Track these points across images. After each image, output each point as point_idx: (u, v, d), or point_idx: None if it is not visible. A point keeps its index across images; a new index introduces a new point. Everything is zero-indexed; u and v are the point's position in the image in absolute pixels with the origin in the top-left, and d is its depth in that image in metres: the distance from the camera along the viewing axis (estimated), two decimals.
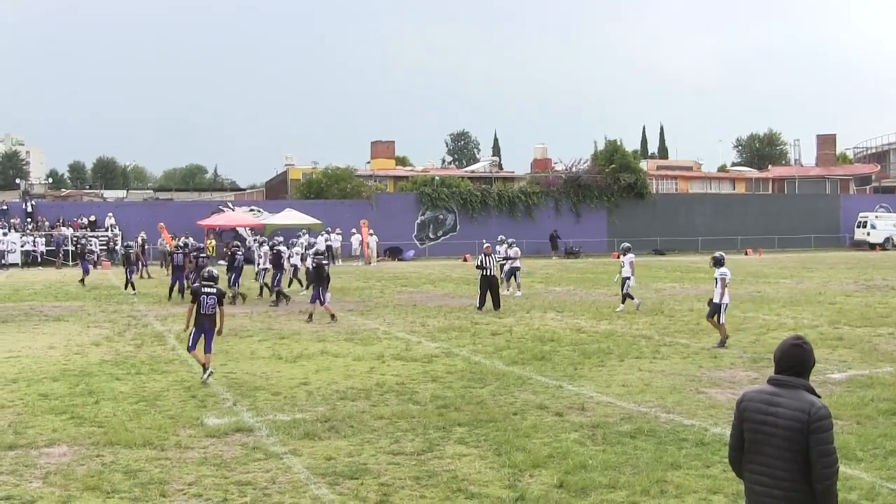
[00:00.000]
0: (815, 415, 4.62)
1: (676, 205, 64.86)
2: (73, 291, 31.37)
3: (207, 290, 13.90)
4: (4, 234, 47.92)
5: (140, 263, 38.28)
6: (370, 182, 60.81)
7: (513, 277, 28.98)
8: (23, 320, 22.60)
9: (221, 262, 34.86)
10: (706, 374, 14.11)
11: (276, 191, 67.77)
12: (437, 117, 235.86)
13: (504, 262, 29.15)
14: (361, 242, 50.71)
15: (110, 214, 52.33)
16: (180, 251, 29.46)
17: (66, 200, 65.35)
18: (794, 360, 4.84)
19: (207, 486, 8.44)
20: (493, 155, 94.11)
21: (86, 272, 34.76)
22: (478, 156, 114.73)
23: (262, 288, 28.37)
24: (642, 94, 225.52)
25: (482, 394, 12.63)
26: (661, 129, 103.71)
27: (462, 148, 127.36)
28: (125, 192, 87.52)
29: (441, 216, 58.01)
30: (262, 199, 66.38)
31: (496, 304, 23.93)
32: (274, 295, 26.57)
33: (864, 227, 63.55)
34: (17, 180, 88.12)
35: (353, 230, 51.28)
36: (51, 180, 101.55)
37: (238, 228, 50.02)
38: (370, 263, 48.45)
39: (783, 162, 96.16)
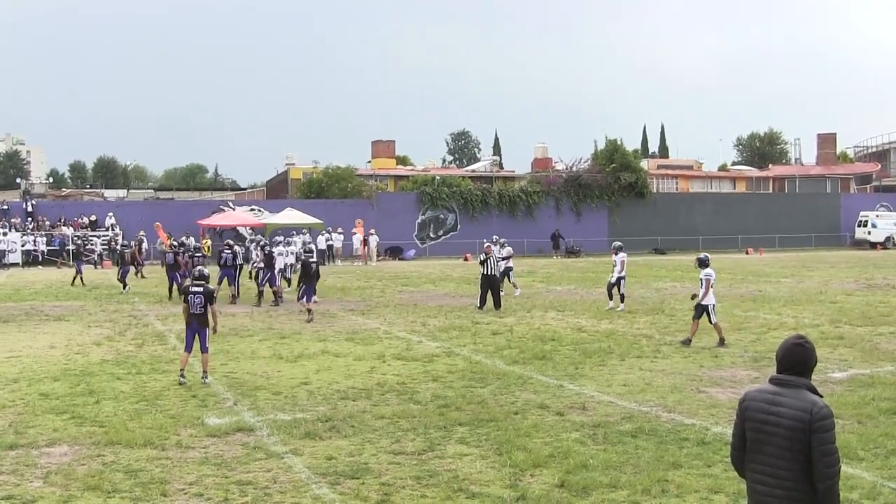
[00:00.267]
0: (816, 414, 4.62)
1: (677, 204, 64.81)
2: (74, 291, 31.38)
3: (194, 289, 13.93)
4: (4, 234, 47.91)
5: (136, 263, 38.33)
6: (371, 181, 60.78)
7: (506, 278, 28.99)
8: (24, 320, 22.60)
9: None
10: (707, 374, 14.11)
11: (277, 190, 67.75)
12: (438, 117, 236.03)
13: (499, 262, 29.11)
14: (362, 242, 50.68)
15: (111, 214, 52.30)
16: (173, 251, 29.50)
17: (66, 200, 65.34)
18: (796, 360, 4.84)
19: (208, 486, 8.44)
20: (494, 154, 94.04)
21: (79, 272, 34.75)
22: (478, 155, 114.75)
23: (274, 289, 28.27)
24: (643, 93, 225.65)
25: (483, 393, 12.63)
26: (662, 128, 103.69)
27: (462, 147, 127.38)
28: (126, 191, 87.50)
29: (442, 216, 57.97)
30: (263, 199, 66.33)
31: (497, 304, 23.93)
32: (272, 294, 26.57)
33: (865, 226, 63.51)
34: (18, 180, 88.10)
35: (354, 230, 51.25)
36: (51, 180, 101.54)
37: (239, 228, 49.99)
38: (365, 263, 48.43)
39: (784, 161, 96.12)
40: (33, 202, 54.45)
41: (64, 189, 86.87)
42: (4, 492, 8.32)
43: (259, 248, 28.53)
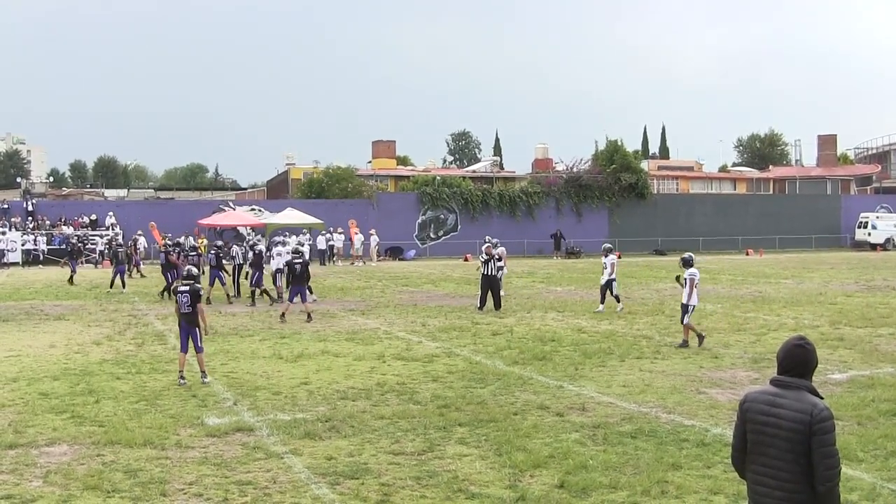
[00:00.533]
0: (817, 416, 4.61)
1: (677, 205, 64.81)
2: (74, 290, 31.38)
3: (182, 288, 13.96)
4: (3, 233, 47.90)
5: (132, 262, 38.37)
6: (371, 182, 60.78)
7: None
8: (23, 319, 22.60)
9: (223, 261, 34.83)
10: (707, 375, 14.11)
11: (278, 190, 67.76)
12: (439, 117, 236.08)
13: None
14: (363, 243, 50.67)
15: (111, 213, 52.33)
16: (165, 250, 29.59)
17: (66, 199, 65.36)
18: (797, 361, 4.83)
19: (208, 486, 8.44)
20: (494, 155, 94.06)
21: (74, 271, 34.75)
22: (479, 155, 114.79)
23: (262, 289, 28.28)
24: (643, 94, 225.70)
25: (483, 394, 12.63)
26: (663, 129, 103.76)
27: (463, 148, 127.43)
28: (126, 191, 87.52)
29: (442, 216, 57.97)
30: (264, 199, 66.36)
31: (497, 304, 23.92)
32: (261, 293, 26.60)
33: (865, 227, 63.48)
34: (18, 179, 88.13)
35: (356, 230, 51.23)
36: (52, 179, 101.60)
37: (239, 228, 50.02)
38: (353, 263, 48.38)
39: (784, 162, 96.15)
40: (33, 201, 54.46)
41: (64, 188, 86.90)
42: (4, 491, 8.31)
43: (248, 248, 28.54)
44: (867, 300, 25.66)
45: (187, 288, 13.86)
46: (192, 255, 27.85)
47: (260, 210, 53.56)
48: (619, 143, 63.60)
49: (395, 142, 73.17)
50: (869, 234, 62.95)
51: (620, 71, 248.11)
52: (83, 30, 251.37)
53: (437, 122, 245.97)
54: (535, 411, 11.48)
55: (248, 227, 49.40)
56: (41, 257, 47.78)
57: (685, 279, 17.28)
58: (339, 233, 50.06)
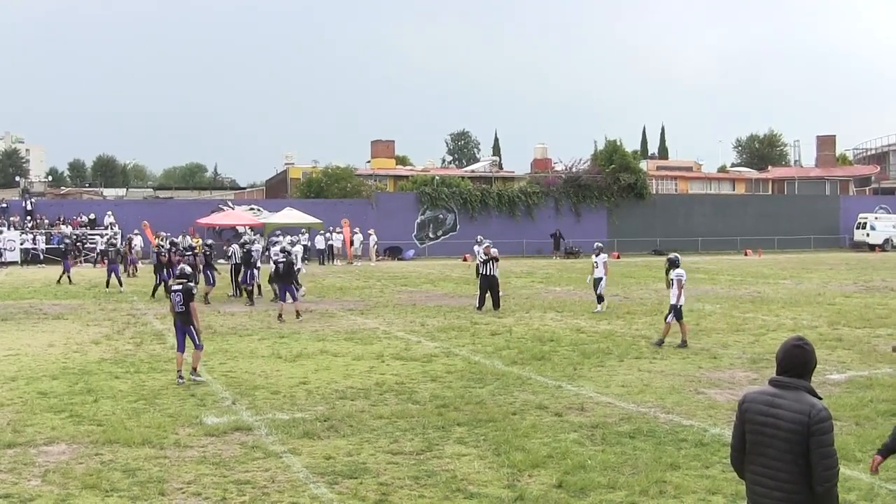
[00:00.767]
0: (815, 417, 4.62)
1: (676, 205, 64.80)
2: (73, 290, 31.36)
3: (175, 287, 13.96)
4: (1, 233, 47.89)
5: (127, 261, 38.37)
6: (370, 181, 60.75)
7: None
8: (22, 318, 22.59)
9: (222, 260, 34.86)
10: (705, 375, 14.12)
11: (276, 190, 67.74)
12: (438, 117, 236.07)
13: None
14: (362, 242, 50.66)
15: (110, 213, 52.30)
16: (157, 249, 29.70)
17: (65, 199, 65.31)
18: (796, 362, 4.84)
19: (206, 485, 8.44)
20: (493, 154, 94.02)
21: (66, 270, 34.76)
22: (478, 155, 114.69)
23: (257, 287, 28.26)
24: (643, 94, 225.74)
25: (481, 394, 12.63)
26: (662, 129, 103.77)
27: (462, 147, 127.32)
28: (125, 190, 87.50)
29: (441, 216, 57.96)
30: (262, 198, 66.34)
31: (496, 304, 23.92)
32: (245, 293, 26.62)
33: (864, 228, 63.49)
34: (17, 178, 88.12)
35: (356, 229, 51.23)
36: (51, 178, 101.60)
37: (238, 227, 50.00)
38: (351, 263, 48.33)
39: (783, 163, 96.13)
40: (32, 200, 54.43)
41: (63, 187, 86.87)
42: (2, 490, 8.31)
43: (239, 246, 28.56)
44: (865, 301, 25.68)
45: (180, 287, 13.85)
46: (189, 255, 27.87)
47: (259, 210, 53.55)
48: (618, 144, 63.61)
49: (393, 141, 73.14)
50: (867, 235, 62.95)
51: (620, 71, 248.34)
52: (83, 30, 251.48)
53: (436, 121, 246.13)
54: (533, 411, 11.49)
55: (247, 227, 49.38)
56: (41, 257, 47.75)
57: (672, 280, 17.26)
58: (338, 232, 50.06)
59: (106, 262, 33.81)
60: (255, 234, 41.96)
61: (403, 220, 56.44)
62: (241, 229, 49.17)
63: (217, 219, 50.72)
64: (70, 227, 50.23)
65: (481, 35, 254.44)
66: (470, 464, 9.09)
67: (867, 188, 78.78)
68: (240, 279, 27.32)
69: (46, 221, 50.76)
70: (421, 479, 8.58)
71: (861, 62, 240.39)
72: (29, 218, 50.95)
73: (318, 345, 17.50)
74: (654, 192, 66.30)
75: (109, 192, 78.47)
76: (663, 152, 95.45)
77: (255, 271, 27.04)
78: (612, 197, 61.06)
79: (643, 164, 69.13)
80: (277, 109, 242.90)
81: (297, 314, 21.83)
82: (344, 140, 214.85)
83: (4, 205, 51.97)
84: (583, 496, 8.04)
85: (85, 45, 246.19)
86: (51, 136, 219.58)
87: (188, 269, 14.75)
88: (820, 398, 4.77)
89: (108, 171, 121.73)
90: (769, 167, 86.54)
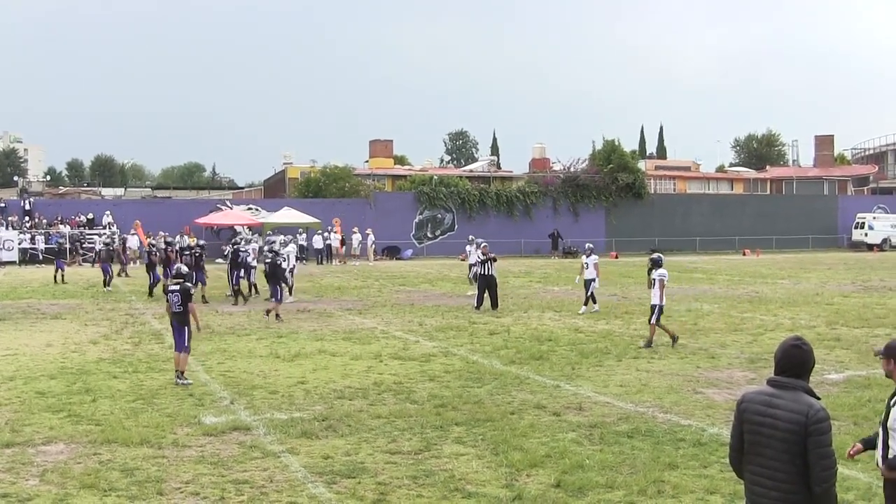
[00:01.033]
0: (813, 417, 4.62)
1: (674, 205, 64.83)
2: (71, 289, 31.35)
3: (172, 287, 13.94)
4: None
5: (121, 261, 38.36)
6: (368, 181, 60.73)
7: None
8: (20, 318, 22.58)
9: (220, 260, 34.88)
10: (703, 375, 14.13)
11: (275, 189, 67.68)
12: (437, 117, 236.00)
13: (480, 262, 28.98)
14: (360, 242, 50.64)
15: (108, 212, 52.27)
16: (149, 250, 29.82)
17: (64, 198, 65.24)
18: (794, 362, 4.84)
19: (204, 485, 8.44)
20: (492, 154, 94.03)
21: (59, 269, 34.76)
22: (476, 155, 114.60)
23: (252, 286, 28.25)
24: (641, 94, 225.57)
25: (480, 393, 12.64)
26: (661, 129, 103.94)
27: (460, 147, 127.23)
28: (123, 190, 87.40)
29: (439, 215, 57.96)
30: (261, 198, 66.30)
31: (494, 304, 23.92)
32: (233, 292, 26.63)
33: (862, 227, 63.54)
34: (15, 178, 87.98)
35: (355, 229, 51.19)
36: (49, 178, 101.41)
37: (236, 227, 49.99)
38: (343, 262, 48.28)
39: (781, 163, 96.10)
40: (31, 200, 54.39)
41: (61, 187, 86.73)
42: (1, 490, 8.31)
43: (229, 245, 28.61)
44: (864, 300, 25.70)
45: (178, 287, 13.84)
46: (186, 255, 27.91)
47: (257, 209, 53.54)
48: (617, 143, 63.63)
49: (392, 141, 73.06)
50: (866, 235, 62.99)
51: (620, 71, 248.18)
52: (81, 29, 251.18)
53: (435, 121, 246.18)
54: (531, 411, 11.49)
55: (245, 227, 49.38)
56: (40, 256, 47.73)
57: (654, 280, 17.21)
58: (336, 232, 50.05)
59: (101, 261, 33.89)
60: (252, 234, 41.99)
61: (402, 220, 56.45)
62: (239, 229, 49.23)
63: (215, 218, 50.72)
64: (68, 226, 50.21)
65: (481, 35, 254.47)
66: (468, 463, 9.10)
67: (865, 188, 78.84)
68: (228, 278, 27.30)
69: (45, 221, 50.73)
70: (419, 479, 8.58)
71: (861, 62, 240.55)
72: (27, 217, 50.93)
73: (317, 344, 17.49)
74: (653, 191, 66.31)
75: (108, 192, 78.35)
76: (661, 152, 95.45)
77: (243, 271, 26.96)
78: (611, 197, 61.08)
79: (641, 164, 69.13)
80: (277, 109, 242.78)
81: (268, 312, 21.65)
82: (343, 140, 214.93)
83: (3, 204, 51.95)
84: (581, 496, 8.04)
85: (84, 45, 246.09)
86: (49, 136, 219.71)
87: (185, 270, 14.73)
88: (818, 398, 4.77)
89: (106, 171, 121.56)
90: (767, 167, 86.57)
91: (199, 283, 27.03)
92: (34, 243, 48.29)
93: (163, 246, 31.93)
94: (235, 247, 27.73)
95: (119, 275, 37.69)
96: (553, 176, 63.35)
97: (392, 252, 54.35)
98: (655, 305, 17.01)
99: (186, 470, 8.94)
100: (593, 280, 23.33)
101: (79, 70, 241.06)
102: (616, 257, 52.40)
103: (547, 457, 9.23)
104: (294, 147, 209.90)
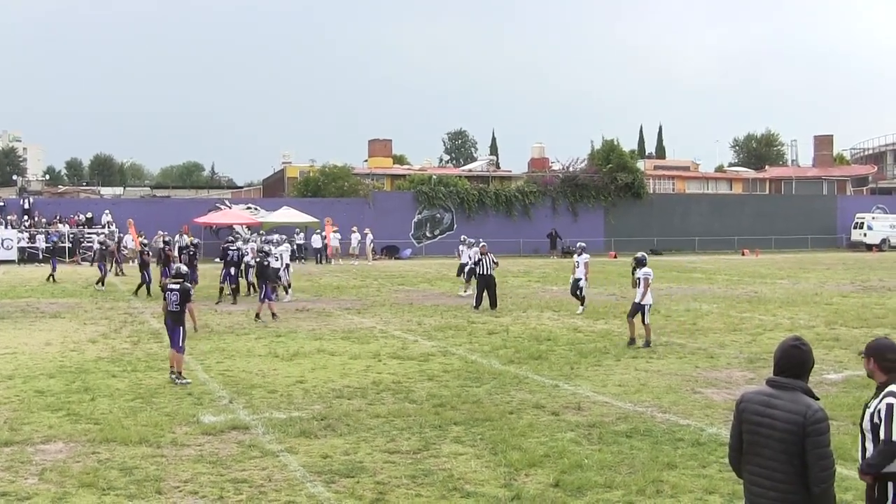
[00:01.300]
0: (810, 418, 4.62)
1: (673, 205, 64.84)
2: (70, 288, 31.33)
3: (171, 286, 13.93)
4: None
5: (116, 260, 38.38)
6: (367, 180, 60.72)
7: (472, 278, 29.09)
8: (19, 317, 22.57)
9: (218, 259, 34.86)
10: (702, 375, 14.13)
11: (274, 189, 67.66)
12: (437, 117, 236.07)
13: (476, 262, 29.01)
14: (359, 242, 50.62)
15: (107, 211, 52.25)
16: (141, 249, 29.91)
17: (63, 197, 65.22)
18: (793, 362, 4.84)
19: (203, 484, 8.44)
20: (491, 154, 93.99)
21: (53, 268, 34.75)
22: (475, 155, 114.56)
23: (251, 286, 28.20)
24: (640, 93, 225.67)
25: (478, 393, 12.64)
26: (660, 128, 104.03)
27: (460, 147, 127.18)
28: (122, 189, 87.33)
29: (438, 215, 57.97)
30: (260, 197, 66.29)
31: (493, 304, 23.92)
32: (220, 291, 26.64)
33: (861, 227, 63.57)
34: (14, 177, 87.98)
35: (354, 228, 51.17)
36: (48, 177, 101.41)
37: (235, 226, 49.98)
38: (330, 262, 48.24)
39: (780, 162, 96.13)
40: (30, 199, 54.37)
41: (60, 186, 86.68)
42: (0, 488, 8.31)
43: (223, 248, 28.64)
44: (863, 301, 25.71)
45: (177, 286, 13.83)
46: (183, 254, 27.98)
47: (256, 208, 53.53)
48: (616, 143, 63.63)
49: (391, 140, 73.02)
50: (865, 235, 63.01)
51: (620, 71, 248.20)
52: (81, 28, 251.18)
53: (435, 121, 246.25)
54: (530, 410, 11.49)
55: (244, 226, 49.37)
56: (40, 255, 47.71)
57: (639, 279, 17.16)
58: (336, 231, 50.03)
59: (97, 260, 33.97)
60: (250, 234, 41.95)
61: (401, 220, 56.46)
62: (237, 228, 49.21)
63: (214, 218, 50.71)
64: (68, 225, 50.20)
65: (481, 35, 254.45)
66: (467, 463, 9.10)
67: (864, 188, 78.87)
68: (230, 279, 27.27)
69: (44, 220, 50.71)
70: (418, 478, 8.58)
71: (861, 62, 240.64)
72: (26, 217, 50.92)
73: (315, 344, 17.49)
74: (652, 191, 66.34)
75: (107, 191, 78.27)
76: (661, 152, 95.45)
77: (234, 269, 26.90)
78: (609, 196, 61.09)
79: (640, 164, 69.15)
80: (276, 109, 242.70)
81: (257, 316, 21.53)
82: (343, 140, 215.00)
83: (2, 203, 51.95)
84: (579, 495, 8.04)
85: (84, 45, 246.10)
86: (48, 136, 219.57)
87: (184, 269, 14.73)
88: (817, 398, 4.78)
89: (105, 170, 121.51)
90: (766, 167, 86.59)
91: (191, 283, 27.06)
92: (34, 242, 48.28)
93: (161, 245, 31.98)
94: (224, 246, 27.80)
95: (117, 274, 37.72)
96: (552, 176, 63.36)
97: (391, 251, 54.36)
98: (641, 304, 16.89)
99: (185, 469, 8.94)
100: (580, 280, 23.15)
101: (78, 70, 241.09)
102: (615, 257, 52.39)
103: (545, 456, 9.23)
104: (293, 147, 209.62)
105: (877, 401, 5.24)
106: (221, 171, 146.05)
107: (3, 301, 26.66)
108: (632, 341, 17.00)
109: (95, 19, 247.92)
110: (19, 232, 48.73)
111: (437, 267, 44.59)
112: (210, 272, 30.73)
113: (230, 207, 54.04)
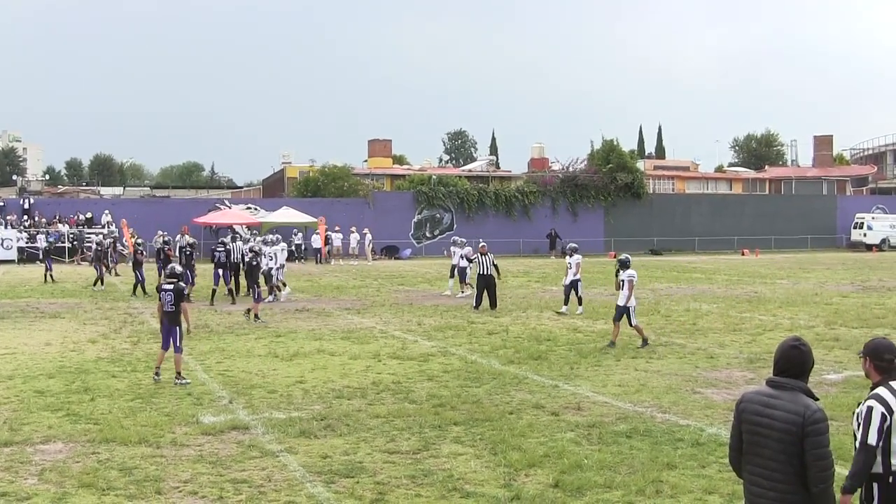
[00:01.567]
0: (809, 418, 4.62)
1: (673, 205, 64.84)
2: (70, 288, 31.33)
3: (166, 286, 13.88)
4: None
5: (110, 260, 38.36)
6: (367, 181, 60.71)
7: (463, 278, 29.10)
8: (19, 317, 22.57)
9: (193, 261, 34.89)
10: (702, 375, 14.13)
11: (273, 189, 67.66)
12: (437, 116, 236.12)
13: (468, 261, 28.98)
14: (358, 241, 50.62)
15: (107, 211, 52.26)
16: (134, 249, 30.02)
17: (62, 197, 65.22)
18: (793, 362, 4.84)
19: (203, 484, 8.44)
20: (491, 154, 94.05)
21: (49, 269, 34.72)
22: (475, 155, 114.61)
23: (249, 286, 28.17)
24: (640, 94, 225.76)
25: (478, 393, 12.64)
26: (660, 128, 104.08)
27: (459, 147, 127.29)
28: (122, 189, 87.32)
29: (438, 215, 57.97)
30: (259, 197, 66.28)
31: (493, 304, 23.92)
32: (225, 291, 26.63)
33: (861, 227, 63.58)
34: (14, 177, 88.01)
35: (353, 228, 51.17)
36: (48, 177, 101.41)
37: (235, 226, 49.96)
38: (329, 262, 48.23)
39: (780, 162, 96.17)
40: (30, 199, 54.37)
41: (60, 186, 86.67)
42: None
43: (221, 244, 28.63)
44: (863, 301, 25.70)
45: (171, 286, 13.79)
46: (182, 254, 28.02)
47: (256, 208, 53.52)
48: (615, 143, 63.61)
49: (391, 140, 73.02)
50: (864, 235, 63.01)
51: (620, 71, 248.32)
52: (81, 28, 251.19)
53: (435, 121, 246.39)
54: (530, 410, 11.49)
55: (244, 226, 49.35)
56: (40, 255, 47.70)
57: (623, 281, 17.06)
58: (336, 231, 50.03)
59: (94, 260, 34.00)
60: (249, 234, 41.92)
61: (400, 220, 56.47)
62: (237, 228, 49.18)
63: (214, 218, 50.68)
64: (67, 225, 50.18)
65: (481, 35, 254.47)
66: (466, 463, 9.10)
67: (864, 188, 78.88)
68: (225, 279, 27.27)
69: (44, 220, 50.70)
70: (417, 479, 8.58)
71: (861, 62, 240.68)
72: (26, 216, 50.91)
73: (315, 344, 17.49)
74: (651, 191, 66.35)
75: (106, 191, 78.25)
76: (660, 152, 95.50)
77: (221, 271, 26.87)
78: (609, 196, 61.08)
79: (640, 164, 69.14)
80: (276, 109, 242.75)
81: (248, 312, 21.58)
82: (343, 140, 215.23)
83: (2, 203, 51.95)
84: (579, 495, 8.04)
85: (84, 45, 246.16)
86: (48, 135, 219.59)
87: (179, 269, 14.70)
88: (816, 399, 4.78)
89: (105, 170, 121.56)
90: (766, 167, 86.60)
91: (188, 282, 27.05)
92: (33, 242, 48.27)
93: (160, 244, 31.98)
94: (213, 248, 27.85)
95: (116, 275, 37.68)
96: (552, 176, 63.35)
97: (390, 251, 54.36)
98: (625, 307, 16.77)
99: (185, 469, 8.93)
100: (579, 280, 22.99)
101: (78, 70, 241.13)
102: (615, 257, 52.35)
103: (545, 456, 9.23)
104: (293, 147, 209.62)
105: (862, 403, 5.25)
106: (221, 171, 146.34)
107: (2, 301, 26.66)
108: (611, 344, 16.91)
109: (95, 19, 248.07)
110: (19, 232, 48.71)
111: (437, 267, 44.54)
112: (209, 272, 30.65)
113: (230, 207, 54.02)
